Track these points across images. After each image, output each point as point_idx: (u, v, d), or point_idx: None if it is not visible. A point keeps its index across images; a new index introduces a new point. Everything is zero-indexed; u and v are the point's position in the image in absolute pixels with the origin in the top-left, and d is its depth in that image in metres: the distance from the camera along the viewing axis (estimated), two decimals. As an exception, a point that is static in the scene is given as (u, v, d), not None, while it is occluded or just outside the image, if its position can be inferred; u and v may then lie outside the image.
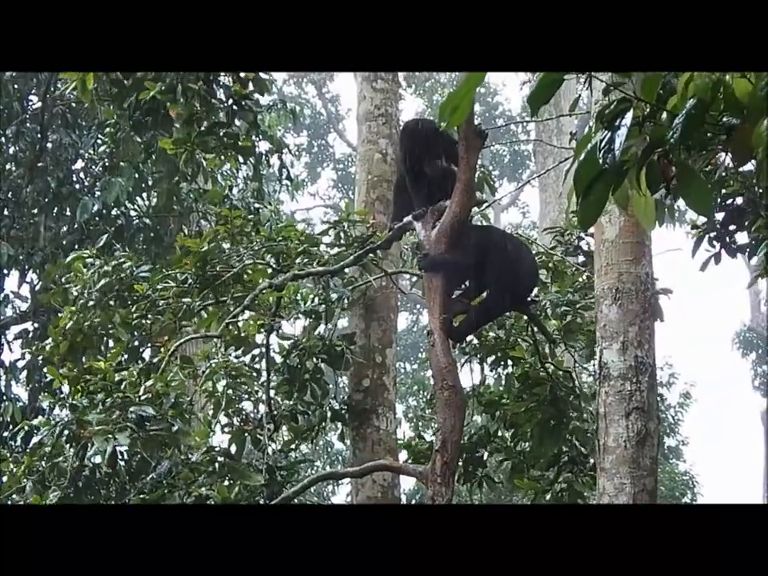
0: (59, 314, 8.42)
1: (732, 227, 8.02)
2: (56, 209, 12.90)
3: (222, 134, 8.69)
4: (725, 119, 3.22)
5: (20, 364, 12.53)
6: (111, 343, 8.18)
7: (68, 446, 6.75)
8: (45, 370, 8.71)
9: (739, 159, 3.24)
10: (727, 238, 8.16)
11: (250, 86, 8.77)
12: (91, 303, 8.08)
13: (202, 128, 8.60)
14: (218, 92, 8.61)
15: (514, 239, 7.13)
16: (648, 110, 3.16)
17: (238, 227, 8.10)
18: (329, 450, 20.43)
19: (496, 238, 6.64)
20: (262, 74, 8.84)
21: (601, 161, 3.10)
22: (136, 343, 8.34)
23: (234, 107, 8.66)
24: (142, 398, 6.86)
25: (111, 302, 8.12)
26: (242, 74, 8.56)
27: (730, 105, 3.08)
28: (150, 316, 8.01)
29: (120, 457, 6.82)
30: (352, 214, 8.61)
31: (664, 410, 22.07)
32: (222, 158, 9.02)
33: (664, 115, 3.13)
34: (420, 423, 15.31)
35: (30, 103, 13.50)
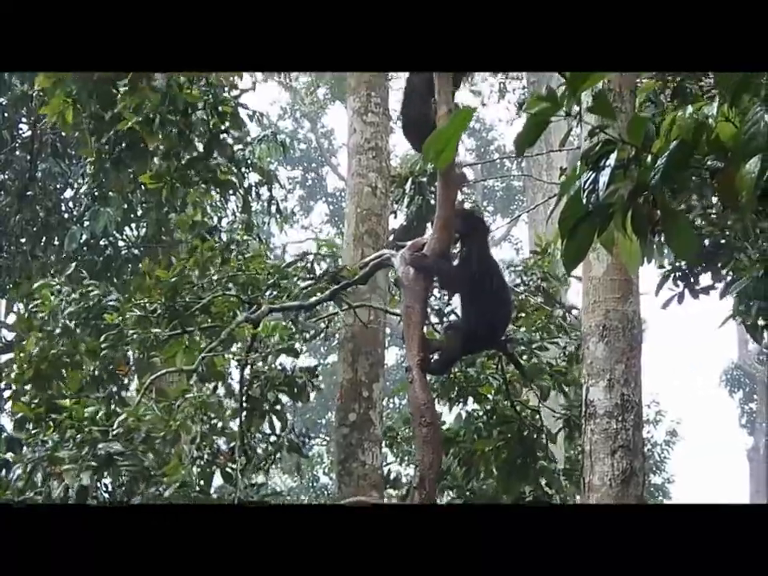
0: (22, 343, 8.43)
1: (698, 268, 8.14)
2: (44, 238, 12.88)
3: (200, 167, 8.72)
4: (709, 162, 3.23)
5: (6, 394, 12.44)
6: (73, 371, 8.14)
7: (39, 481, 6.70)
8: (9, 403, 8.68)
9: (725, 202, 3.25)
10: (691, 279, 8.28)
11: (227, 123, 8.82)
12: (58, 331, 8.06)
13: (181, 162, 8.62)
14: (195, 126, 8.64)
15: (500, 273, 7.10)
16: (633, 152, 3.16)
17: (207, 258, 8.09)
18: (314, 483, 20.34)
19: (487, 269, 6.57)
20: (240, 109, 8.90)
21: (585, 201, 3.10)
22: (97, 372, 8.27)
23: (212, 141, 8.69)
24: (114, 432, 6.82)
25: (78, 330, 8.09)
26: (220, 108, 8.60)
27: (713, 147, 3.09)
28: (119, 346, 7.97)
29: (92, 491, 6.75)
30: (321, 247, 8.62)
31: (650, 448, 22.04)
32: (202, 191, 9.03)
33: (648, 158, 3.13)
34: (407, 458, 15.22)
35: (20, 131, 13.51)
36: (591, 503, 5.68)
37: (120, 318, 7.94)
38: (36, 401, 7.68)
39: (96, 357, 8.04)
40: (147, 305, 8.00)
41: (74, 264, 11.17)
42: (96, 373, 8.11)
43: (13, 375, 8.25)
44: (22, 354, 8.18)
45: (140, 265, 12.26)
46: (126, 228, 12.62)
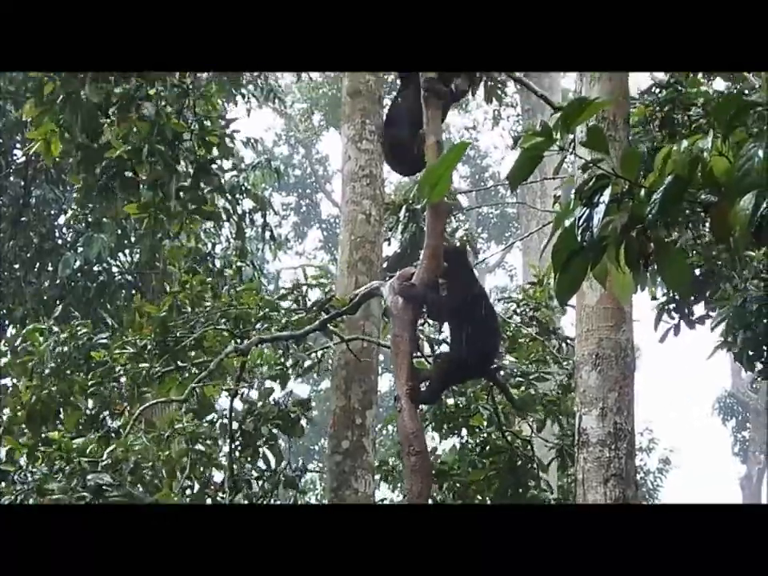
0: (14, 383, 8.41)
1: (691, 298, 8.17)
2: (38, 264, 12.88)
3: (186, 198, 8.69)
4: (703, 196, 3.24)
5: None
6: (69, 411, 8.15)
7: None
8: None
9: (718, 236, 3.26)
10: (686, 310, 8.30)
11: (215, 152, 8.80)
12: (47, 372, 8.06)
13: (170, 191, 8.60)
14: (182, 156, 8.63)
15: (488, 303, 7.12)
16: (627, 186, 3.17)
17: (197, 292, 8.08)
18: (307, 510, 20.30)
19: (476, 298, 6.60)
20: (234, 135, 8.89)
21: (579, 238, 3.10)
22: (94, 411, 8.28)
23: (200, 171, 8.68)
24: (103, 464, 6.81)
25: (68, 371, 8.09)
26: (207, 138, 8.59)
27: (707, 182, 3.10)
28: (107, 383, 7.96)
29: None
30: (309, 278, 8.63)
31: (643, 476, 22.01)
32: (191, 220, 9.01)
33: (642, 192, 3.14)
34: (400, 486, 15.21)
35: (14, 158, 13.53)
36: (590, 503, 5.67)
37: (109, 356, 7.93)
38: (31, 441, 7.66)
39: (86, 394, 8.03)
40: (138, 341, 7.98)
41: (61, 305, 11.19)
42: (93, 411, 8.09)
43: (5, 417, 8.23)
44: (13, 399, 8.16)
45: (133, 291, 12.29)
46: (120, 254, 12.65)
